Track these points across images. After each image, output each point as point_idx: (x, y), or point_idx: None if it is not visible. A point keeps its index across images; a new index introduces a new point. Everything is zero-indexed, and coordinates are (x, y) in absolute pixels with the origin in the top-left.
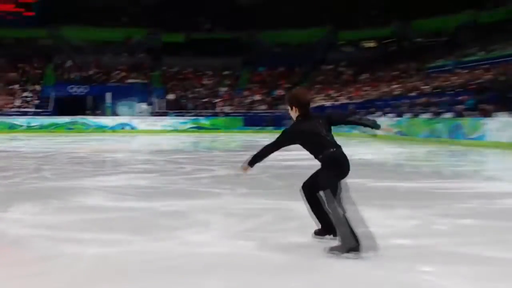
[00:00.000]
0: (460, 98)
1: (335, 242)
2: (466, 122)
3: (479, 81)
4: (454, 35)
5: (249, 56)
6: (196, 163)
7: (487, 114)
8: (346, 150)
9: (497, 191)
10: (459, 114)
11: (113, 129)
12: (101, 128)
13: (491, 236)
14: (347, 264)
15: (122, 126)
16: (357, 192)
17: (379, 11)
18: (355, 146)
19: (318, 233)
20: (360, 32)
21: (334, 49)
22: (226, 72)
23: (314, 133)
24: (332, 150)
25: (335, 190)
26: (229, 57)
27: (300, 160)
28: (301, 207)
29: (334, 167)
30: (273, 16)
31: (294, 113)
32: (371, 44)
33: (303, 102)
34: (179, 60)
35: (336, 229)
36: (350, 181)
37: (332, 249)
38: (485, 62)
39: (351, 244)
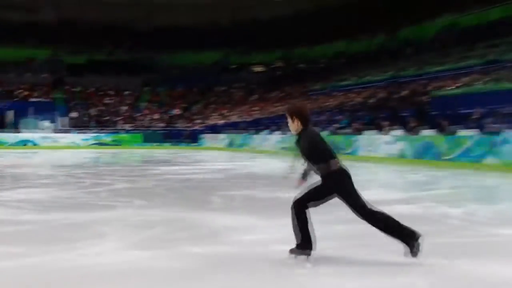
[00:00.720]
0: (336, 117)
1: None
2: (340, 138)
3: (352, 103)
4: (331, 62)
5: (149, 77)
6: (96, 177)
7: (358, 132)
8: (237, 164)
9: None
10: (335, 132)
11: (15, 145)
12: (2, 144)
13: (358, 239)
14: (233, 275)
15: (24, 142)
16: (245, 202)
17: (267, 39)
18: (246, 161)
19: (295, 251)
20: (250, 57)
21: (227, 72)
22: (126, 92)
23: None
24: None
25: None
26: (129, 78)
27: (194, 174)
28: (193, 218)
29: (347, 179)
30: (171, 40)
31: (295, 125)
32: (260, 68)
33: (306, 115)
34: (81, 80)
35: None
36: (237, 193)
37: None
38: (357, 86)
39: None
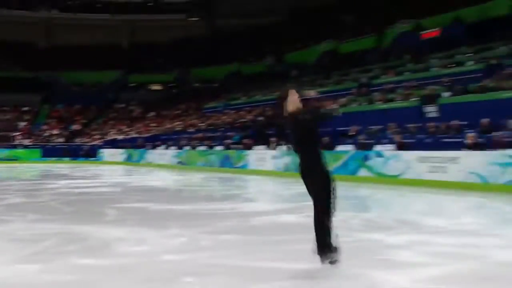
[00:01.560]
0: (228, 133)
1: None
2: (233, 153)
3: (243, 120)
4: (224, 82)
5: (49, 93)
6: None
7: (249, 147)
8: (135, 178)
9: (253, 210)
10: (228, 147)
11: None
12: None
13: (245, 248)
14: (121, 285)
15: None
16: (139, 214)
17: (165, 60)
18: (144, 174)
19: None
20: (148, 76)
21: (125, 90)
22: (25, 108)
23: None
24: None
25: None
26: (29, 94)
27: (92, 188)
28: (86, 230)
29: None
30: (71, 58)
31: (298, 103)
32: (158, 87)
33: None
34: None
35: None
36: (132, 205)
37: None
38: (248, 105)
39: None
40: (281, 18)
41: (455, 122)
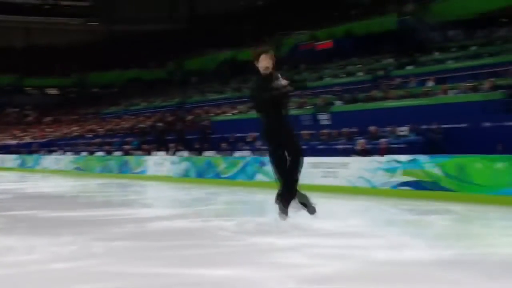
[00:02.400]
0: (127, 139)
1: None
2: (132, 159)
3: (142, 125)
4: (124, 87)
5: None
6: None
7: (148, 152)
8: (28, 184)
9: (149, 216)
10: (127, 152)
11: None
12: None
13: (138, 254)
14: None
15: None
16: (29, 222)
17: (62, 63)
18: (38, 181)
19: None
20: (44, 80)
21: (20, 93)
22: None
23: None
24: None
25: None
26: None
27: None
28: None
29: None
30: None
31: (272, 62)
32: (55, 91)
33: None
34: None
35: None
36: (23, 213)
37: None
38: (147, 111)
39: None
40: (181, 25)
41: (346, 130)
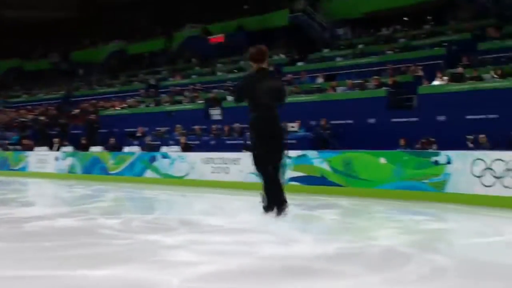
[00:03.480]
0: (6, 134)
1: None
2: (11, 154)
3: (23, 119)
4: (3, 78)
5: None
6: None
7: (29, 148)
8: None
9: (28, 215)
10: (6, 148)
11: None
12: None
13: (17, 256)
14: None
15: None
16: None
17: None
18: None
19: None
20: None
21: None
22: None
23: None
24: None
25: None
26: None
27: None
28: None
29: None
30: None
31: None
32: None
33: None
34: None
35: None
36: None
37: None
38: (29, 103)
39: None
40: (69, 14)
41: (237, 125)
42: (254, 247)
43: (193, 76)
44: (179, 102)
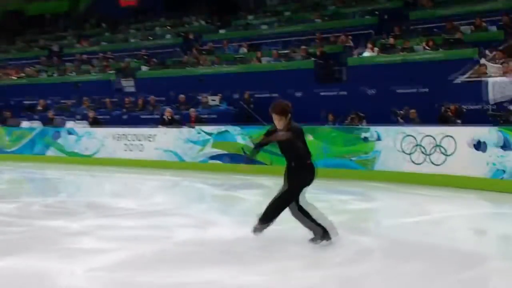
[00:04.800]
0: None
1: None
2: None
3: None
4: None
5: None
6: None
7: None
8: None
9: None
10: None
11: None
12: None
13: None
14: None
15: None
16: None
17: None
18: None
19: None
20: None
21: None
22: None
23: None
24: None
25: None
26: None
27: None
28: None
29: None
30: None
31: (283, 122)
32: None
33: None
34: None
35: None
36: None
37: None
38: None
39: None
40: None
41: (152, 97)
42: (170, 232)
43: (103, 43)
44: (87, 72)
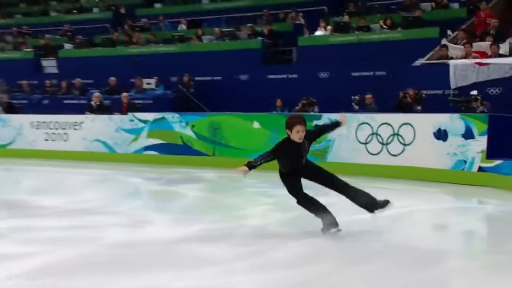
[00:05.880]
0: None
1: None
2: None
3: None
4: None
5: None
6: None
7: None
8: None
9: None
10: None
11: None
12: None
13: None
14: None
15: None
16: None
17: None
18: None
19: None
20: None
21: None
22: None
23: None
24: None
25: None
26: None
27: None
28: None
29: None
30: None
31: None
32: None
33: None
34: None
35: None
36: None
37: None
38: None
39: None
40: None
41: (78, 80)
42: (100, 232)
43: (17, 16)
44: (0, 50)
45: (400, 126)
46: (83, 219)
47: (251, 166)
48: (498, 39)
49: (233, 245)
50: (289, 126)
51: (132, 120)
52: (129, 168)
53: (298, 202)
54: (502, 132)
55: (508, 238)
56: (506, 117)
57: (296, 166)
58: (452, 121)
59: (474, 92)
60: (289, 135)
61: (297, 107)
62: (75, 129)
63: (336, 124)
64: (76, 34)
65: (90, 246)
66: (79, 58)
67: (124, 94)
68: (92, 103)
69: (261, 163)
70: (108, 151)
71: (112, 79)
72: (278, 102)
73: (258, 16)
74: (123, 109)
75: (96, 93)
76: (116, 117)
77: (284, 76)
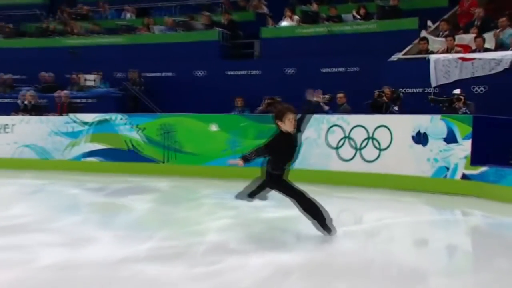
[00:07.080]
0: None
1: None
2: None
3: None
4: None
5: None
6: None
7: None
8: None
9: None
10: None
11: None
12: None
13: None
14: None
15: None
16: None
17: None
18: None
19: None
20: None
21: None
22: None
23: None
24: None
25: None
26: None
27: None
28: None
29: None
30: None
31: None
32: None
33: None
34: None
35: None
36: None
37: None
38: None
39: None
40: None
41: (9, 76)
42: (31, 253)
43: None
44: None
45: (376, 128)
46: (12, 238)
47: (245, 159)
48: (483, 31)
49: (189, 266)
50: (279, 116)
51: (70, 122)
52: (67, 177)
53: (305, 209)
54: (488, 136)
55: (494, 254)
56: (493, 118)
57: (290, 161)
58: (433, 123)
59: (457, 91)
60: (280, 127)
61: (260, 107)
62: (6, 132)
63: (316, 105)
64: (3, 23)
65: (22, 270)
66: (7, 49)
67: (63, 92)
68: (25, 102)
69: (255, 157)
70: (42, 157)
71: (47, 75)
72: (239, 102)
73: (216, 4)
74: (61, 109)
75: (29, 91)
76: (52, 119)
77: (245, 72)
